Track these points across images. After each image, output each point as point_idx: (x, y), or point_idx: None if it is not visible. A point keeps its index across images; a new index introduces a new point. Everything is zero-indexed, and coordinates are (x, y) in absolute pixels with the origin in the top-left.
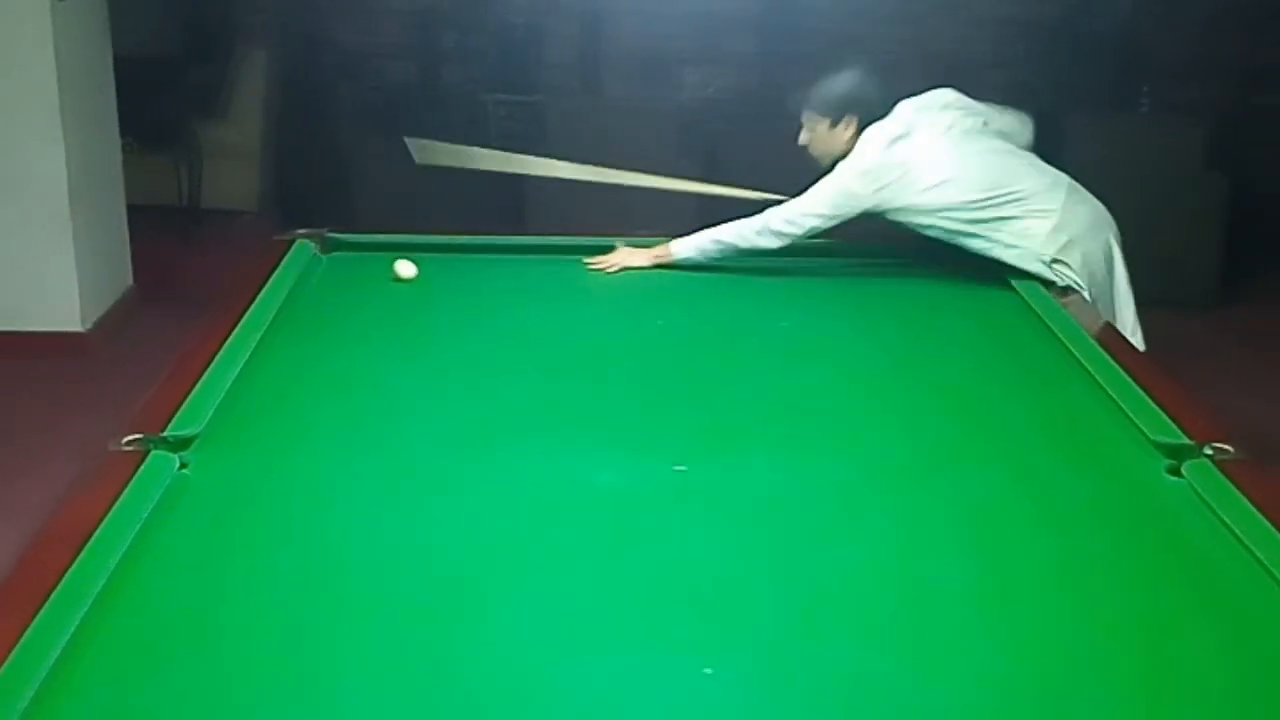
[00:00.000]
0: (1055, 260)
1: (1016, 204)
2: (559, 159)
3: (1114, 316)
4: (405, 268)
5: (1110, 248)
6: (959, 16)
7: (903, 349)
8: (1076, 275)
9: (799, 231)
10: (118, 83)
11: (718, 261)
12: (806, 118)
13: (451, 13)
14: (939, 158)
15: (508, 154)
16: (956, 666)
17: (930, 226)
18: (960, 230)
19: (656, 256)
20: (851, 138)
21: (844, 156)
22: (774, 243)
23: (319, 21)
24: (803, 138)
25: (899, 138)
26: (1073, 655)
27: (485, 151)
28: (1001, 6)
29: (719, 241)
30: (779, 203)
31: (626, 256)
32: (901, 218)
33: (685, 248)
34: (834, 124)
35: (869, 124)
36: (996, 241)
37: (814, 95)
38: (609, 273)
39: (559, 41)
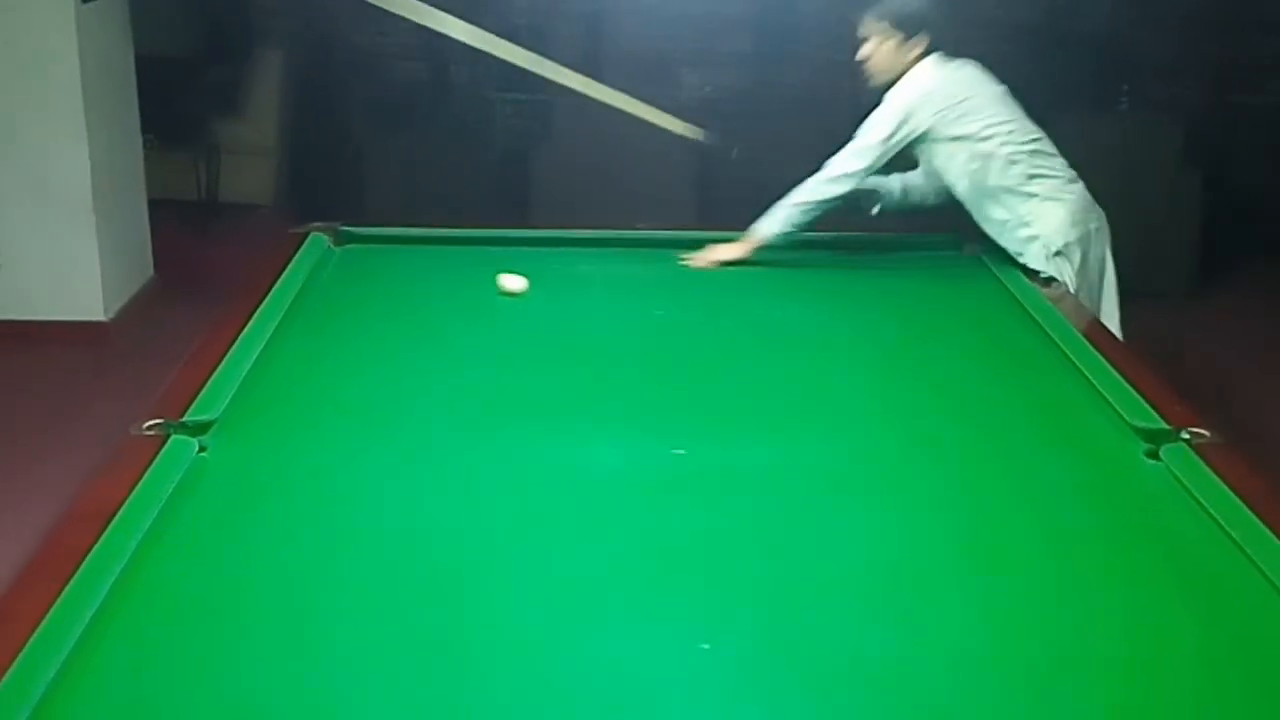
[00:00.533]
0: (1058, 253)
1: (1046, 178)
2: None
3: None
4: (512, 281)
5: (1105, 256)
6: (949, 17)
7: (892, 339)
8: (1074, 272)
9: (866, 163)
10: (139, 82)
11: (808, 227)
12: (876, 30)
13: (459, 14)
14: (994, 94)
15: (469, 26)
16: (944, 641)
17: (968, 172)
18: (993, 186)
19: (747, 245)
20: (914, 60)
21: (898, 79)
22: (846, 185)
23: (332, 23)
24: (865, 50)
25: (958, 67)
26: (1055, 629)
27: (446, 16)
28: (987, 9)
29: (797, 205)
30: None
31: (718, 252)
32: (946, 152)
33: (770, 226)
34: (905, 40)
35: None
36: (1015, 215)
37: (889, 8)
38: (698, 268)
39: (562, 42)
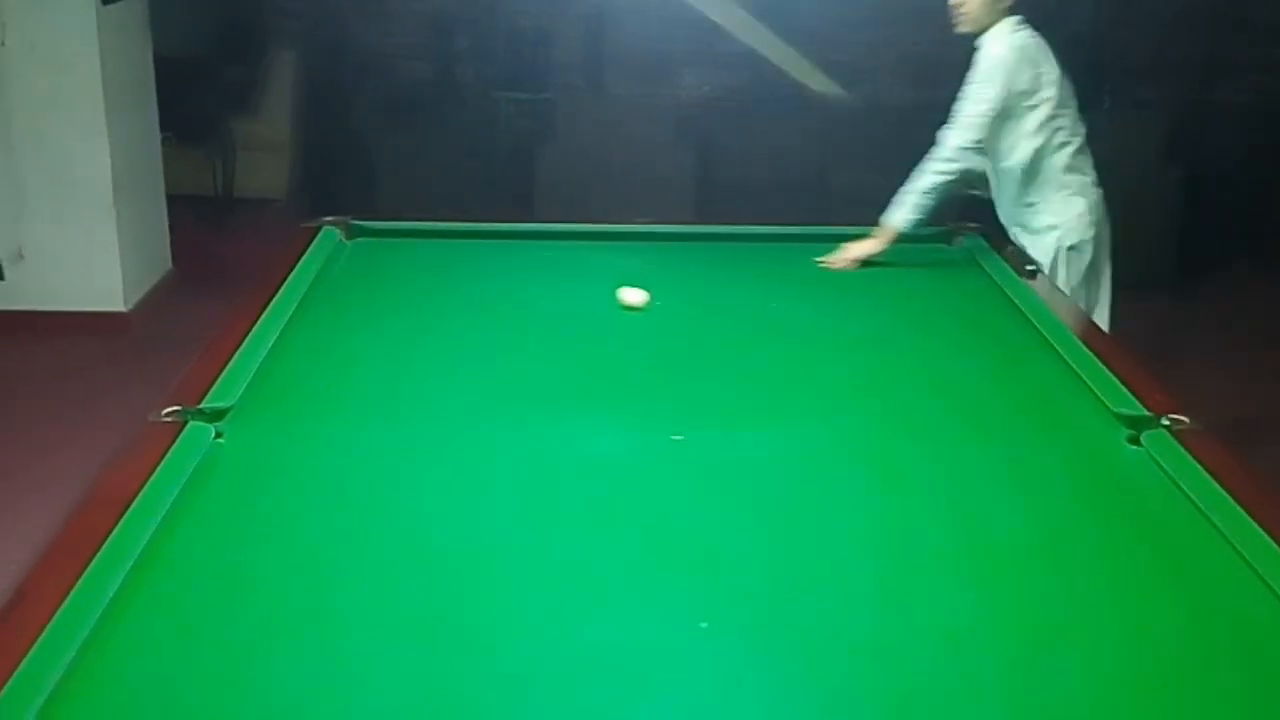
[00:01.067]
0: (1072, 248)
1: (1080, 174)
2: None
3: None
4: (633, 295)
5: (1105, 259)
6: (932, 21)
7: (882, 328)
8: (1081, 269)
9: (979, 133)
10: (158, 81)
11: (936, 210)
12: None
13: (465, 16)
14: (1060, 76)
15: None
16: (935, 619)
17: (1032, 145)
18: (1042, 165)
19: (883, 238)
20: (1000, 16)
21: (981, 33)
22: (965, 159)
23: (343, 25)
24: None
25: (1039, 35)
26: (1041, 607)
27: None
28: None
29: (925, 191)
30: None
31: (854, 250)
32: (1018, 118)
33: (902, 215)
34: None
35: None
36: (1044, 200)
37: None
38: (838, 269)
39: (565, 43)
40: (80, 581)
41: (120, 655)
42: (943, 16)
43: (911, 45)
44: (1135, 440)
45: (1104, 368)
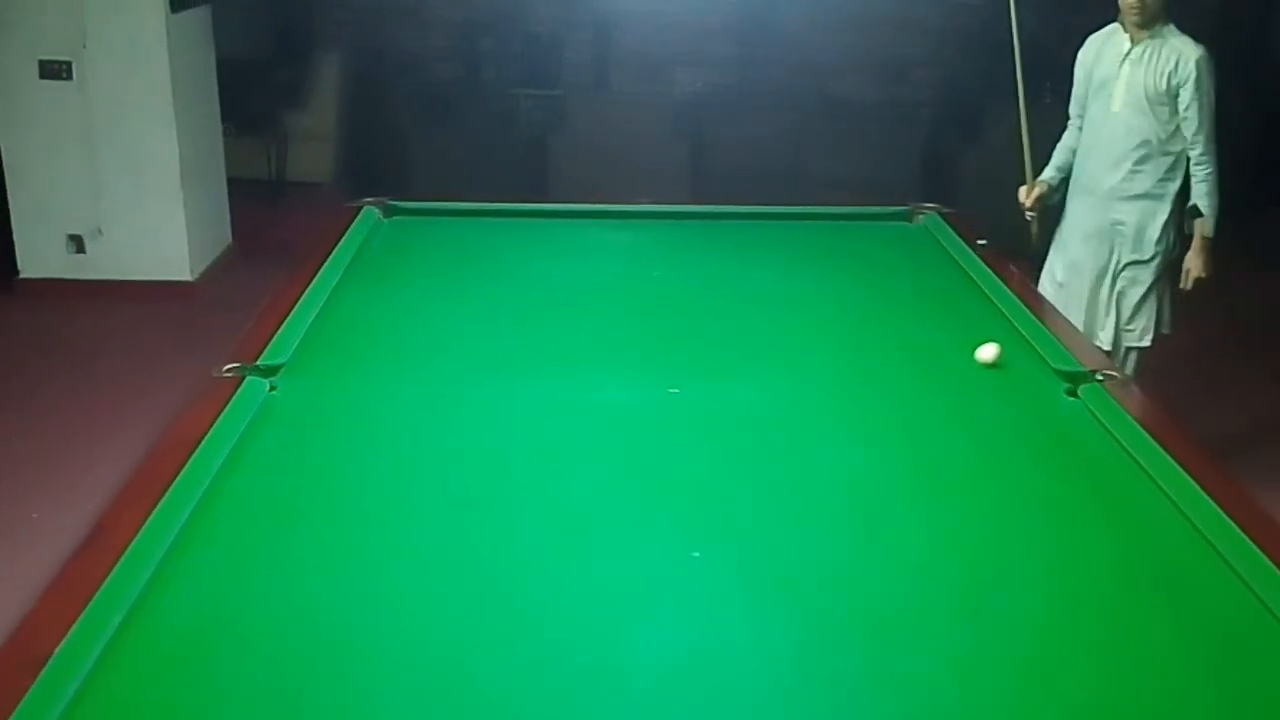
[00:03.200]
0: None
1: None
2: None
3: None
4: (987, 351)
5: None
6: (900, 26)
7: (851, 295)
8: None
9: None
10: (219, 79)
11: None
12: None
13: (488, 23)
14: None
15: None
16: (898, 549)
17: (1193, 134)
18: (1178, 150)
19: (1206, 248)
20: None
21: (1150, 21)
22: (1215, 163)
23: (382, 30)
24: None
25: None
26: (991, 539)
27: None
28: (934, 19)
29: (1212, 195)
30: None
31: (1199, 269)
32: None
33: (1210, 218)
34: None
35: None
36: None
37: None
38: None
39: (575, 46)
40: (152, 516)
41: (189, 579)
42: (905, 25)
43: (877, 49)
44: (1073, 393)
45: (1045, 329)
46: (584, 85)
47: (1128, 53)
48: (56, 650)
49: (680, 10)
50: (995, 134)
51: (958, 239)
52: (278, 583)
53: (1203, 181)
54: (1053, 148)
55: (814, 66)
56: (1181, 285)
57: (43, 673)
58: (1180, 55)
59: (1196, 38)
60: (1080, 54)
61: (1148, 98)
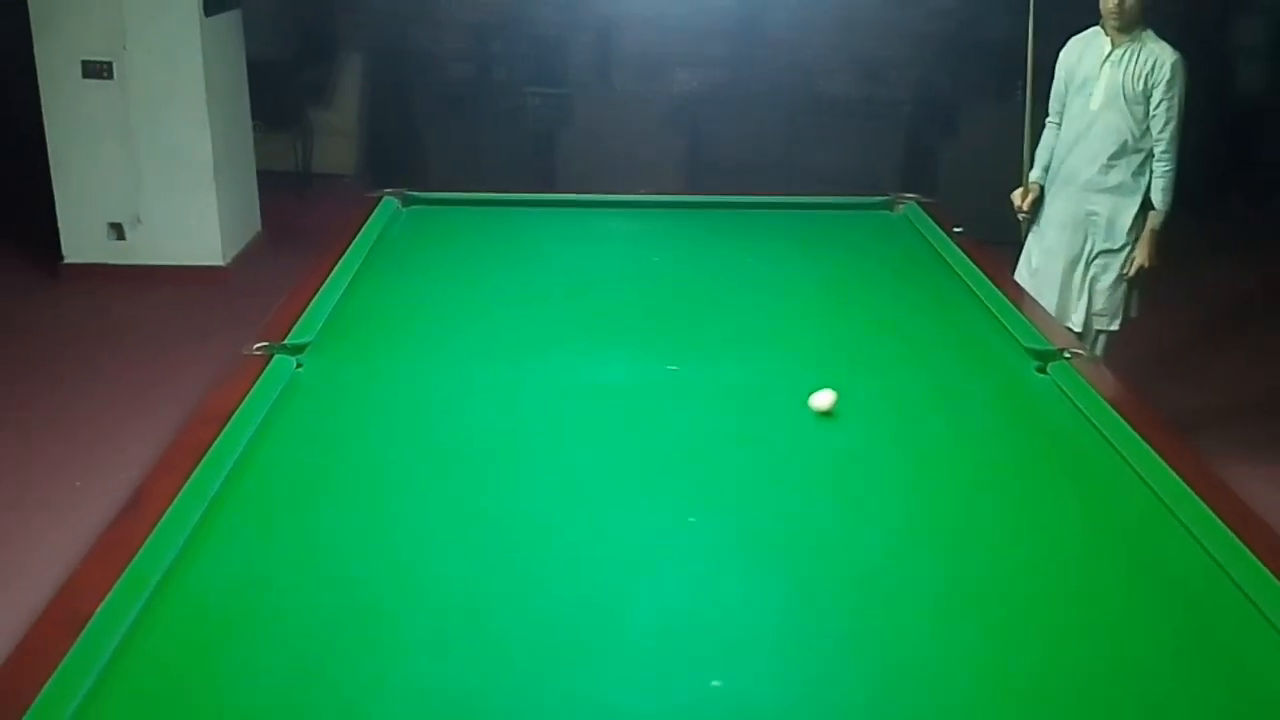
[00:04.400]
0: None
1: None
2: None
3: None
4: (824, 399)
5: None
6: (881, 30)
7: (836, 279)
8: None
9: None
10: (249, 78)
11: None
12: None
13: (499, 26)
14: None
15: None
16: (880, 514)
17: (1159, 131)
18: (1149, 147)
19: (1154, 239)
20: (1141, 17)
21: (1128, 26)
22: (1174, 162)
23: (401, 32)
24: None
25: None
26: (965, 505)
27: None
28: (913, 23)
29: (1168, 192)
30: None
31: (1144, 258)
32: (1164, 104)
33: (1162, 212)
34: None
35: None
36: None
37: None
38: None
39: (580, 47)
40: (187, 484)
41: (220, 546)
42: (888, 29)
43: (861, 51)
44: (1042, 370)
45: (1016, 310)
46: (588, 84)
47: (1108, 54)
48: (97, 611)
49: (679, 14)
50: (970, 129)
51: (936, 226)
52: (304, 546)
53: (1161, 177)
54: (1030, 146)
55: (803, 66)
56: (1124, 272)
57: (84, 632)
58: (1157, 59)
59: (1175, 44)
60: (1061, 54)
61: (1125, 97)
